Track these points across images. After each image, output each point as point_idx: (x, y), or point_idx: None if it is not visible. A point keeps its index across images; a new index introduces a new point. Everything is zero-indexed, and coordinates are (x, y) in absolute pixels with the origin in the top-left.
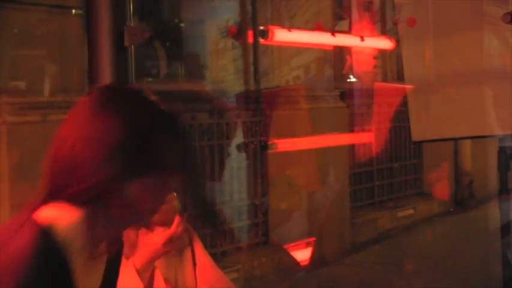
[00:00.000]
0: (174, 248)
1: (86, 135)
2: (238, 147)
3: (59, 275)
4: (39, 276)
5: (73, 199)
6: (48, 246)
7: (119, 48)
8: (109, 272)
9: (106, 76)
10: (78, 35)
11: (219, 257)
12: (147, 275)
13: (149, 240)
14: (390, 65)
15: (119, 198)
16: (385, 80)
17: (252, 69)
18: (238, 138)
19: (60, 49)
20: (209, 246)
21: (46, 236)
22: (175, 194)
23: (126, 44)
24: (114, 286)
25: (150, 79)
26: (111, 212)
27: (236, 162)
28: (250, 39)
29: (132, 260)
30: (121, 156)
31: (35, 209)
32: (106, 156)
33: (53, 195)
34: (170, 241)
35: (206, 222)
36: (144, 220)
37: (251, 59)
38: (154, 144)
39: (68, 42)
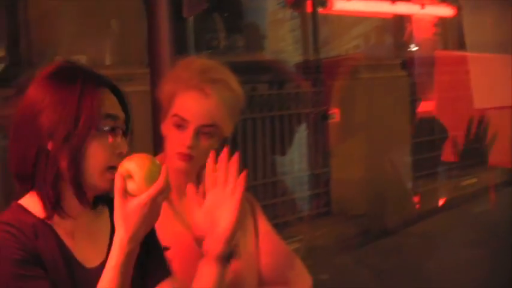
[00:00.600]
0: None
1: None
2: (299, 117)
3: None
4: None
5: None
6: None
7: (178, 19)
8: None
9: (165, 48)
10: (138, 7)
11: (280, 228)
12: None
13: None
14: (451, 33)
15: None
16: (445, 47)
17: (311, 39)
18: (299, 108)
19: (120, 22)
20: (271, 217)
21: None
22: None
23: (184, 15)
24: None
25: (209, 51)
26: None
27: (297, 133)
28: (309, 9)
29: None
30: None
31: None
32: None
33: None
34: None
35: None
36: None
37: (310, 28)
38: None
39: (127, 14)
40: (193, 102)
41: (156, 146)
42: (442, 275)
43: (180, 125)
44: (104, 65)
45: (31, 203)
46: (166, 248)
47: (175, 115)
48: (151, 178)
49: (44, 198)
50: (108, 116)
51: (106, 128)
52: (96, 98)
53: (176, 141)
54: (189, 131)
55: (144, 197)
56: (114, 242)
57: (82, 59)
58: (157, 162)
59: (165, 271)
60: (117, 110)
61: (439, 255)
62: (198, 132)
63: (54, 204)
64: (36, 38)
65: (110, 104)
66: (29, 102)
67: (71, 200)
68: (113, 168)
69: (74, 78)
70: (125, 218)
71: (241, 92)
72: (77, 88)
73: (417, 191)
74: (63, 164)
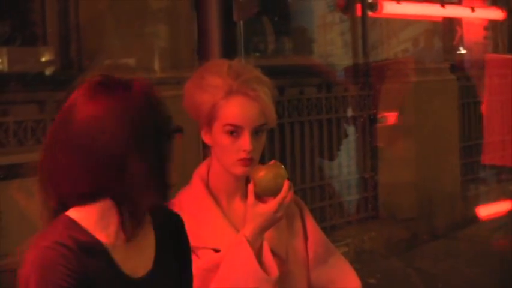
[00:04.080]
0: (285, 215)
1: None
2: (347, 121)
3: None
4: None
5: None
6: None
7: (228, 23)
8: (160, 245)
9: (215, 51)
10: (188, 11)
11: (328, 231)
12: (257, 245)
13: (259, 210)
14: (501, 36)
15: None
16: (496, 51)
17: (360, 42)
18: (347, 112)
19: (170, 25)
20: (319, 220)
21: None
22: (279, 162)
23: (235, 19)
24: (170, 256)
25: (258, 54)
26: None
27: (345, 136)
28: (359, 13)
29: (242, 231)
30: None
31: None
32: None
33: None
34: (281, 207)
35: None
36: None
37: (359, 32)
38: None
39: (177, 18)
40: (242, 108)
41: (205, 150)
42: (490, 280)
43: (234, 131)
44: (153, 69)
45: (85, 217)
46: (217, 250)
47: (227, 124)
48: (276, 188)
49: (127, 213)
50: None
51: None
52: None
53: (234, 148)
54: (246, 136)
55: (272, 204)
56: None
57: (131, 63)
58: (284, 173)
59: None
60: None
61: (488, 260)
62: (252, 134)
63: (140, 220)
64: (86, 41)
65: None
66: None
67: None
68: None
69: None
70: (252, 219)
71: (268, 78)
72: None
73: (466, 194)
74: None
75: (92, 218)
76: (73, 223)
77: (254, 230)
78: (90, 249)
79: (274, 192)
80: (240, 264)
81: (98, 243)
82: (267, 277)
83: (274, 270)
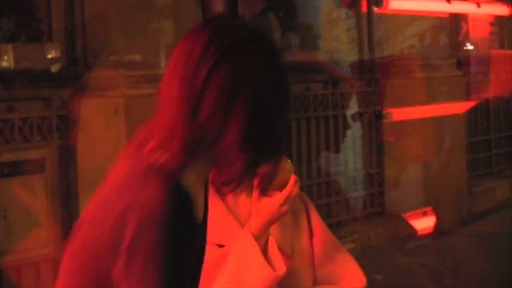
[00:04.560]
0: (290, 210)
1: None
2: (353, 117)
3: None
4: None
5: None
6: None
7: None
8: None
9: None
10: (193, 7)
11: (335, 227)
12: (263, 240)
13: (265, 204)
14: (507, 32)
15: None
16: (501, 47)
17: (366, 38)
18: (353, 108)
19: (175, 21)
20: (325, 216)
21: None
22: (285, 156)
23: (240, 15)
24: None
25: None
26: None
27: (351, 132)
28: (364, 9)
29: (248, 225)
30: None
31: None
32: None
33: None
34: (286, 201)
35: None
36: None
37: (365, 28)
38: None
39: (182, 14)
40: None
41: None
42: (497, 276)
43: None
44: (158, 65)
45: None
46: (221, 246)
47: None
48: (282, 182)
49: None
50: None
51: None
52: None
53: None
54: None
55: (277, 198)
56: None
57: (137, 59)
58: (291, 167)
59: None
60: None
61: (495, 256)
62: None
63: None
64: (92, 38)
65: None
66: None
67: None
68: None
69: None
70: (258, 213)
71: None
72: None
73: (472, 190)
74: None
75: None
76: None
77: (260, 225)
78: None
79: (281, 187)
80: (246, 259)
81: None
82: (273, 273)
83: (281, 266)
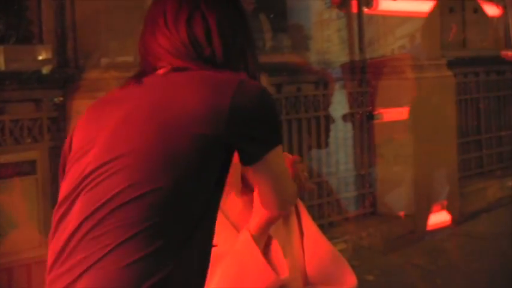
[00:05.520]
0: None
1: None
2: (344, 117)
3: None
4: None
5: None
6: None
7: None
8: None
9: None
10: None
11: (326, 228)
12: (262, 241)
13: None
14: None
15: None
16: (493, 47)
17: (356, 39)
18: (344, 108)
19: None
20: (316, 217)
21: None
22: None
23: None
24: None
25: None
26: None
27: (342, 133)
28: (355, 9)
29: (247, 226)
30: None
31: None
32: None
33: None
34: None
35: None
36: None
37: (356, 29)
38: None
39: None
40: None
41: None
42: (489, 276)
43: None
44: None
45: None
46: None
47: None
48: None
49: None
50: None
51: None
52: None
53: None
54: None
55: None
56: None
57: (128, 61)
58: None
59: None
60: None
61: (486, 256)
62: None
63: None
64: (83, 39)
65: None
66: None
67: None
68: None
69: None
70: (256, 212)
71: (267, 80)
72: None
73: (463, 191)
74: None
75: None
76: None
77: (259, 225)
78: None
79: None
80: (245, 261)
81: None
82: (275, 276)
83: (284, 269)
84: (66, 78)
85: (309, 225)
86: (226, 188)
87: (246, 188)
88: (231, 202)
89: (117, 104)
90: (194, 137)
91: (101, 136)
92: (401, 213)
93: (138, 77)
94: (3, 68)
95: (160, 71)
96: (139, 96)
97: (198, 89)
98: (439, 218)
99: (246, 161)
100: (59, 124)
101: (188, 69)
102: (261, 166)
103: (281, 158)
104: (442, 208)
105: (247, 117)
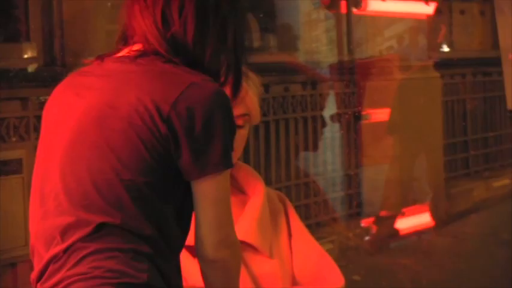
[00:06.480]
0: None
1: None
2: (332, 118)
3: None
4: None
5: None
6: None
7: None
8: None
9: None
10: None
11: (313, 228)
12: None
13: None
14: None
15: None
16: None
17: (345, 39)
18: (332, 109)
19: None
20: (304, 217)
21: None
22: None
23: None
24: None
25: None
26: None
27: (330, 134)
28: (343, 10)
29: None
30: None
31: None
32: None
33: None
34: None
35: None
36: None
37: (344, 29)
38: None
39: None
40: None
41: None
42: (475, 276)
43: None
44: None
45: None
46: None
47: None
48: None
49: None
50: None
51: None
52: None
53: None
54: None
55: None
56: None
57: None
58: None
59: None
60: None
61: (472, 256)
62: None
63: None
64: (70, 38)
65: None
66: None
67: None
68: None
69: None
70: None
71: (254, 75)
72: None
73: (449, 191)
74: None
75: None
76: None
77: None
78: None
79: None
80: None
81: None
82: None
83: None
84: (53, 76)
85: (297, 225)
86: None
87: (234, 188)
88: None
89: (75, 99)
90: (141, 142)
91: (57, 152)
92: (388, 214)
93: (102, 58)
94: None
95: (126, 50)
96: (93, 95)
97: (148, 88)
98: (425, 218)
99: (184, 175)
100: None
101: (154, 53)
102: (199, 187)
103: (226, 186)
104: (429, 209)
105: (187, 124)
